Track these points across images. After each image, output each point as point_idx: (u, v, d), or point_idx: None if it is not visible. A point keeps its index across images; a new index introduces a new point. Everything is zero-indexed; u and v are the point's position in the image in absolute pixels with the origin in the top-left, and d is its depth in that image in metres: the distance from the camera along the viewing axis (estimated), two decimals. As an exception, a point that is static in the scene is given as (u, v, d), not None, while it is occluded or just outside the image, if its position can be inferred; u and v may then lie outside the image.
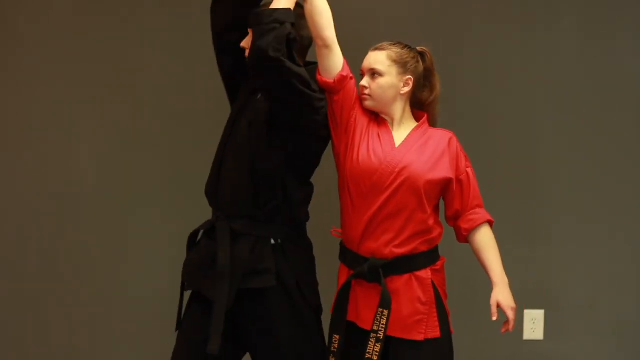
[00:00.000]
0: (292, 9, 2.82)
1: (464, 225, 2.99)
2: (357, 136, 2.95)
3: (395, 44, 2.98)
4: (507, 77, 3.95)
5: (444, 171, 2.92)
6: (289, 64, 2.76)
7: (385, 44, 2.99)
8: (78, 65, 3.88)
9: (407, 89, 2.98)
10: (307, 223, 3.11)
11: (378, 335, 2.85)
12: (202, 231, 3.08)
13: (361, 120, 2.97)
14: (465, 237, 3.02)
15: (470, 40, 3.94)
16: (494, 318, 2.95)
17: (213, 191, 3.03)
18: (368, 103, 2.98)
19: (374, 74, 2.95)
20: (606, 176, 4.00)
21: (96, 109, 3.90)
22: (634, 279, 4.04)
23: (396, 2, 3.93)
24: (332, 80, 2.92)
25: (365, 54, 3.04)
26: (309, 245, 3.08)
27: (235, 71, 3.09)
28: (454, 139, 3.00)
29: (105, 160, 3.91)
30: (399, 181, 2.86)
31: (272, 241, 2.93)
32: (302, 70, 2.83)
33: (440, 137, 2.98)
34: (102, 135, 3.90)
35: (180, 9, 3.87)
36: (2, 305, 3.91)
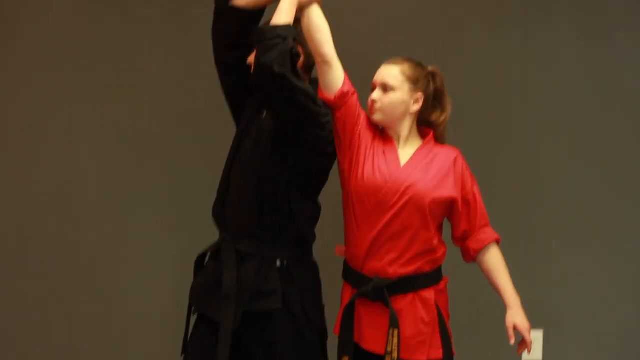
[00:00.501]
0: (292, 24, 2.82)
1: (473, 245, 2.98)
2: (361, 153, 2.94)
3: (408, 60, 2.97)
4: (507, 82, 3.93)
5: (448, 190, 2.92)
6: (294, 79, 2.76)
7: (398, 59, 2.97)
8: (78, 65, 3.87)
9: (417, 107, 2.97)
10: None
11: (392, 355, 2.85)
12: (209, 253, 3.08)
13: (365, 137, 2.96)
14: (473, 257, 3.01)
15: (469, 44, 3.93)
16: (512, 341, 2.92)
17: (219, 212, 3.04)
18: (377, 117, 2.96)
19: (386, 88, 2.94)
20: (606, 194, 3.99)
21: (96, 109, 3.89)
22: (634, 298, 4.02)
23: (395, 4, 3.93)
24: (332, 97, 2.90)
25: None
26: (315, 267, 3.09)
27: (238, 89, 3.09)
28: (460, 158, 2.99)
29: (105, 161, 3.90)
30: (404, 200, 2.86)
31: (278, 262, 2.93)
32: (307, 86, 2.84)
33: (446, 156, 2.97)
34: (102, 135, 3.89)
35: (181, 9, 3.86)
36: (2, 307, 3.90)
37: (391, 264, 2.88)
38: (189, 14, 3.84)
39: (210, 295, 2.96)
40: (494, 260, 2.98)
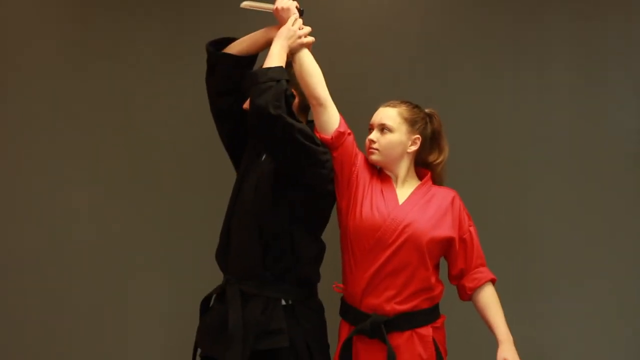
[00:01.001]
0: (284, 66, 2.87)
1: (469, 284, 3.00)
2: (359, 192, 2.96)
3: (405, 102, 3.02)
4: (499, 123, 3.96)
5: (446, 230, 2.94)
6: (290, 119, 2.79)
7: (396, 101, 3.02)
8: (71, 113, 3.92)
9: (414, 148, 3.01)
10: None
11: None
12: (214, 296, 3.09)
13: (363, 176, 2.99)
14: (469, 295, 3.02)
15: (462, 84, 3.96)
16: None
17: (222, 255, 3.04)
18: (375, 157, 2.99)
19: (384, 129, 2.97)
20: (600, 233, 3.99)
21: (93, 154, 3.93)
22: (629, 339, 4.00)
23: (388, 44, 3.97)
24: (329, 137, 2.93)
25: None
26: (319, 307, 3.07)
27: (235, 135, 3.13)
28: (457, 198, 3.02)
29: (105, 204, 3.92)
30: (402, 238, 2.88)
31: (283, 302, 2.93)
32: (303, 125, 2.87)
33: (444, 196, 3.00)
34: (100, 180, 3.92)
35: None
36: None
37: (389, 301, 2.89)
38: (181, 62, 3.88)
39: (217, 337, 2.94)
40: (489, 298, 2.99)
